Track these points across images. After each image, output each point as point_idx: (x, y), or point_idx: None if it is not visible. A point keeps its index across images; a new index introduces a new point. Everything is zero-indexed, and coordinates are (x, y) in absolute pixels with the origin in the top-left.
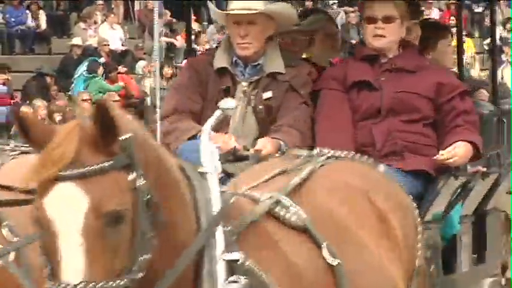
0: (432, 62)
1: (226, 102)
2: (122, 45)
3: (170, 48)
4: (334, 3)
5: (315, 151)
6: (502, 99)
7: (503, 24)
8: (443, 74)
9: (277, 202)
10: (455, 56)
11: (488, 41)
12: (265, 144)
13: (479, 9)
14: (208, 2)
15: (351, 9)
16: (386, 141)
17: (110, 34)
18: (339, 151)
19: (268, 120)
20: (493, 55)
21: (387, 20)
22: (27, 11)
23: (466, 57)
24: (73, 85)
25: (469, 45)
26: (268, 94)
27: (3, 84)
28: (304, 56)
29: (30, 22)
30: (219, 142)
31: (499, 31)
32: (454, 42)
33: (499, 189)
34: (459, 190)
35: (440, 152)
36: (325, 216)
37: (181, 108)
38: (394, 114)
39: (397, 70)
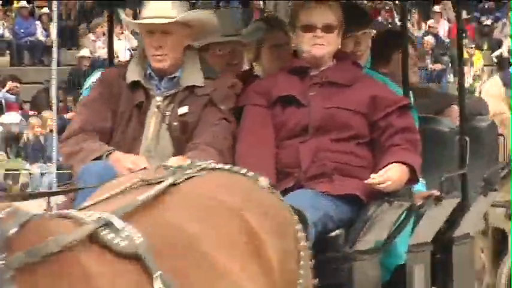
0: (390, 75)
1: None
2: (131, 56)
3: None
4: None
5: (187, 162)
6: (479, 115)
7: None
8: (379, 88)
9: (107, 224)
10: (415, 69)
11: (497, 53)
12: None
13: (488, 22)
14: (119, 10)
15: None
16: (313, 161)
17: (118, 45)
18: (214, 163)
19: (184, 138)
20: (460, 66)
21: (327, 28)
22: (37, 22)
23: (476, 70)
24: (81, 96)
25: (477, 57)
26: (183, 109)
27: (12, 92)
28: (256, 67)
29: (39, 33)
30: (127, 163)
31: (508, 43)
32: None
33: (470, 214)
34: (403, 216)
35: (372, 175)
36: (174, 239)
37: (88, 127)
38: (323, 132)
39: (328, 84)
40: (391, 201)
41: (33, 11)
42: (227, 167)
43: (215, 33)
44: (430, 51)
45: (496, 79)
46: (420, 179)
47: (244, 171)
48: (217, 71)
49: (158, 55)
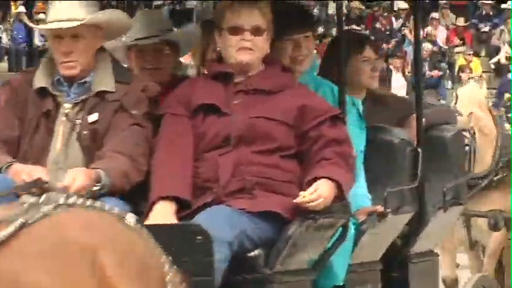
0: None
1: None
2: None
3: None
4: None
5: (43, 197)
6: (445, 124)
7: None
8: (309, 96)
9: None
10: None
11: (494, 60)
12: (76, 176)
13: (486, 29)
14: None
15: (357, 27)
16: (233, 176)
17: None
18: (74, 198)
19: (94, 146)
20: (418, 75)
21: (256, 31)
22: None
23: (474, 76)
24: None
25: (475, 64)
26: (93, 117)
27: None
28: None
29: (38, 39)
30: (23, 174)
31: (506, 50)
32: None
33: (429, 230)
34: (338, 234)
35: (301, 193)
36: None
37: None
38: (245, 143)
39: (254, 91)
40: (316, 218)
41: (32, 17)
42: (88, 202)
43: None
44: (427, 58)
45: (473, 84)
46: (366, 194)
47: (108, 207)
48: (136, 74)
49: (67, 62)
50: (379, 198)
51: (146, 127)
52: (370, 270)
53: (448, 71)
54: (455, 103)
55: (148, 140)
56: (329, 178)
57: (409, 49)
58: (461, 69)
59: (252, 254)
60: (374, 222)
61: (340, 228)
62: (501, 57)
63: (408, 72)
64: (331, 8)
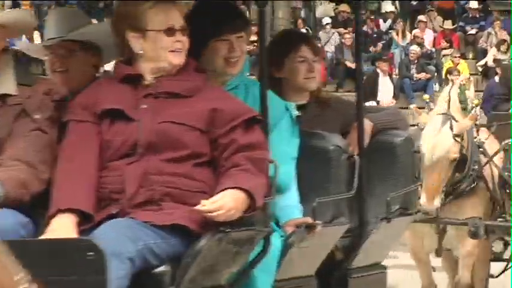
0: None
1: None
2: None
3: None
4: (328, 23)
5: None
6: (394, 130)
7: (498, 46)
8: (222, 99)
9: None
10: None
11: (482, 62)
12: None
13: (473, 31)
14: None
15: (344, 30)
16: (141, 186)
17: None
18: None
19: None
20: (359, 78)
21: (185, 31)
22: None
23: (462, 80)
24: None
25: (463, 66)
26: None
27: None
28: None
29: (23, 39)
30: None
31: (494, 52)
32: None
33: (373, 242)
34: (260, 247)
35: (202, 201)
36: None
37: None
38: (153, 151)
39: (164, 95)
40: (227, 231)
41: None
42: None
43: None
44: (415, 61)
45: (450, 87)
46: (297, 204)
47: None
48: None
49: None
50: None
51: (49, 133)
52: (302, 286)
53: (435, 74)
54: (448, 107)
55: (51, 146)
56: (238, 187)
57: (396, 52)
58: (449, 71)
59: (158, 270)
60: (303, 235)
61: (262, 242)
62: (488, 59)
63: (395, 75)
64: (318, 11)
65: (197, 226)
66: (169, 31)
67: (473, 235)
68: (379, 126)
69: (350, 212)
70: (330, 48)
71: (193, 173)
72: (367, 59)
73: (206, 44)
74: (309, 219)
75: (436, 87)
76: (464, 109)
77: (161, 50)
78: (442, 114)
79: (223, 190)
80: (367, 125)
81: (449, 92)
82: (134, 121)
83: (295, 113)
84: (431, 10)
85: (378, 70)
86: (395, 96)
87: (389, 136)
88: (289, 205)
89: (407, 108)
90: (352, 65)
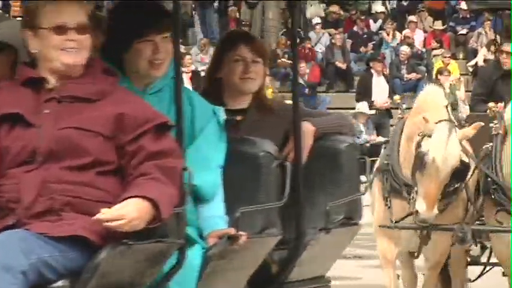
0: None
1: None
2: None
3: None
4: (318, 23)
5: None
6: (338, 135)
7: (488, 46)
8: (131, 103)
9: None
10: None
11: (472, 62)
12: None
13: (464, 31)
14: None
15: (335, 31)
16: (40, 195)
17: None
18: None
19: None
20: (295, 79)
21: (81, 30)
22: None
23: (453, 80)
24: None
25: (453, 67)
26: None
27: None
28: None
29: None
30: None
31: (484, 53)
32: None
33: (313, 254)
34: (175, 260)
35: (102, 210)
36: None
37: None
38: (54, 159)
39: (69, 99)
40: (129, 244)
41: (9, 11)
42: None
43: None
44: (405, 61)
45: (433, 87)
46: (222, 215)
47: None
48: None
49: None
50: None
51: None
52: None
53: (426, 74)
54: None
55: None
56: (143, 197)
57: (386, 52)
58: (439, 72)
59: (55, 285)
60: (225, 247)
61: (176, 254)
62: (479, 59)
63: (387, 75)
64: (308, 12)
65: (98, 238)
66: (59, 29)
67: (461, 241)
68: (322, 131)
69: (286, 222)
70: (320, 49)
71: (96, 181)
72: (358, 59)
73: (129, 45)
74: (232, 230)
75: None
76: (454, 109)
77: (52, 49)
78: (446, 121)
79: (126, 199)
80: (309, 129)
81: (444, 96)
82: (34, 127)
83: (223, 117)
84: (422, 10)
85: (372, 70)
86: (390, 96)
87: (334, 142)
88: (214, 215)
89: (397, 108)
90: (343, 66)
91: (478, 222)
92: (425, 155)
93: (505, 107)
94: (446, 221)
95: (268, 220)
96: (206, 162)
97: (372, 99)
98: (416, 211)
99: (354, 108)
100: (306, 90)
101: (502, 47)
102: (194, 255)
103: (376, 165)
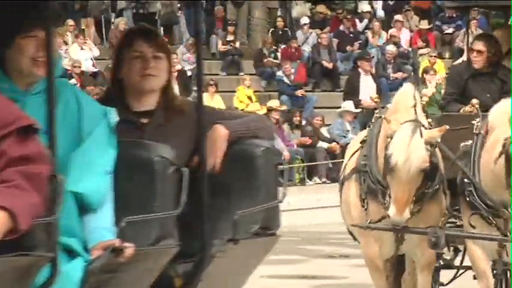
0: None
1: None
2: (93, 66)
3: None
4: (306, 24)
5: None
6: (254, 139)
7: None
8: None
9: None
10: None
11: (458, 61)
12: None
13: (450, 31)
14: None
15: (321, 30)
16: None
17: (81, 55)
18: None
19: None
20: (199, 79)
21: None
22: None
23: (439, 79)
24: None
25: (439, 66)
26: None
27: None
28: None
29: None
30: None
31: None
32: None
33: (222, 267)
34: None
35: None
36: None
37: None
38: None
39: None
40: None
41: None
42: None
43: None
44: (392, 60)
45: (405, 87)
46: (109, 225)
47: None
48: None
49: None
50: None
51: None
52: None
53: (412, 73)
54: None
55: None
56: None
57: (372, 51)
58: (426, 71)
59: None
60: (109, 260)
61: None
62: (465, 59)
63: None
64: (295, 11)
65: None
66: None
67: (434, 245)
68: (237, 134)
69: (191, 232)
70: (307, 48)
71: None
72: (344, 59)
73: (11, 41)
74: (116, 242)
75: None
76: (443, 108)
77: None
78: (411, 121)
79: None
80: (222, 133)
81: (414, 96)
82: None
83: (115, 119)
84: (408, 10)
85: (360, 69)
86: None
87: (249, 146)
88: (100, 226)
89: (383, 107)
90: (329, 65)
91: (450, 224)
92: (390, 157)
93: (480, 105)
94: (423, 224)
95: (164, 230)
96: (92, 168)
97: (360, 98)
98: (388, 216)
99: (340, 107)
100: (293, 91)
101: (472, 45)
102: (75, 269)
103: (344, 164)
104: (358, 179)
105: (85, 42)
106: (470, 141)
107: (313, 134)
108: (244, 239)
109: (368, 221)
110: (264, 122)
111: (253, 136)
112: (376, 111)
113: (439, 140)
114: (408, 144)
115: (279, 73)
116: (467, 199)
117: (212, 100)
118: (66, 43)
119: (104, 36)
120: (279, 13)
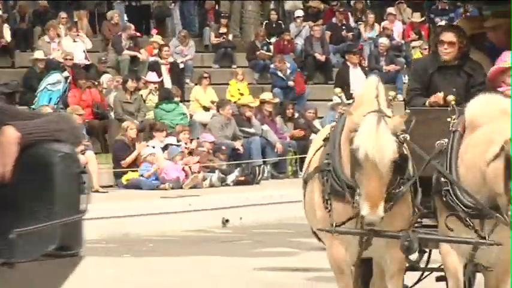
0: None
1: None
2: (85, 58)
3: (134, 61)
4: (299, 17)
5: None
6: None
7: None
8: None
9: None
10: None
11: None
12: None
13: (442, 23)
14: None
15: (314, 23)
16: None
17: (73, 47)
18: None
19: None
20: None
21: None
22: None
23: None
24: (36, 99)
25: None
26: None
27: None
28: None
29: None
30: None
31: None
32: None
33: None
34: None
35: None
36: None
37: None
38: None
39: None
40: None
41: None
42: None
43: None
44: (384, 53)
45: (369, 79)
46: None
47: None
48: None
49: None
50: None
51: None
52: None
53: (405, 66)
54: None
55: None
56: None
57: (365, 44)
58: None
59: None
60: None
61: None
62: None
63: (366, 67)
64: (287, 5)
65: None
66: None
67: (407, 250)
68: (32, 137)
69: None
70: (300, 41)
71: None
72: (337, 51)
73: None
74: None
75: (406, 79)
76: None
77: None
78: (374, 112)
79: None
80: (12, 135)
81: (377, 87)
82: None
83: None
84: (401, 2)
85: (348, 63)
86: None
87: (45, 151)
88: None
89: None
90: (322, 58)
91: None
92: (357, 150)
93: (444, 98)
94: (393, 227)
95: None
96: None
97: (351, 91)
98: (362, 216)
99: (332, 100)
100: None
101: (441, 36)
102: None
103: (306, 163)
104: (320, 179)
105: (78, 35)
106: (445, 140)
107: (306, 127)
108: (23, 262)
109: (334, 224)
110: (69, 123)
111: (54, 139)
112: (340, 106)
113: (407, 137)
114: (375, 134)
115: (272, 66)
116: (444, 199)
117: (205, 93)
118: (59, 35)
119: (97, 28)
120: (272, 6)
